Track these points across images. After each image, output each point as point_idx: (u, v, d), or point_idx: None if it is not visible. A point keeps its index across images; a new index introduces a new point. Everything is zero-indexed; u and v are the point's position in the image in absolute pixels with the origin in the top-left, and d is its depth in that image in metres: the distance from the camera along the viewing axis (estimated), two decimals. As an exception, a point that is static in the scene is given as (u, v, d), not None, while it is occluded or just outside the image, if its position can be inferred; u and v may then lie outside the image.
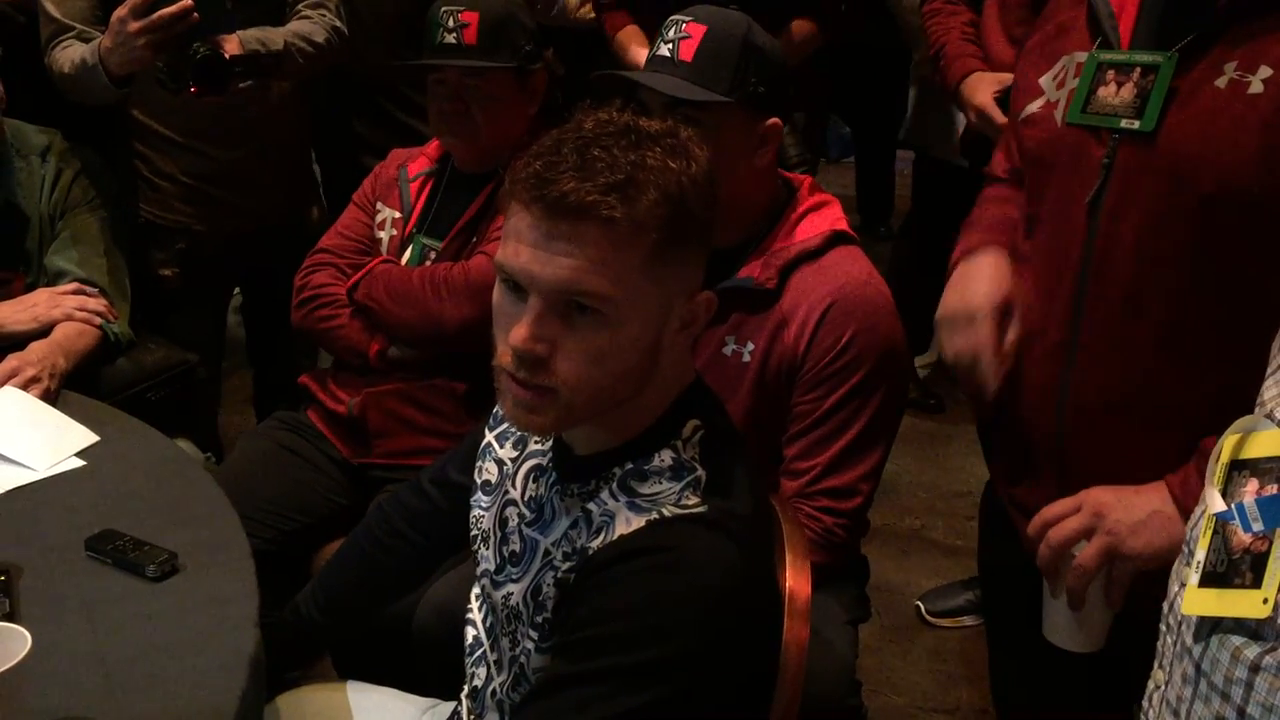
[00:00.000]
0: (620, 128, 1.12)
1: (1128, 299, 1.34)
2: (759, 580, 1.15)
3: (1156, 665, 1.00)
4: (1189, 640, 0.93)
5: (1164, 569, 1.17)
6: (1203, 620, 0.92)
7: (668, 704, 1.06)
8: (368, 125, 2.79)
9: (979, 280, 1.43)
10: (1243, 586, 0.89)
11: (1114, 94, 1.34)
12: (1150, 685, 1.01)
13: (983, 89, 2.36)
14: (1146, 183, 1.31)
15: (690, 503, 1.13)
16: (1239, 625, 0.88)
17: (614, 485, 1.17)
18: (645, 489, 1.15)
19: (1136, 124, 1.31)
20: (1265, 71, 1.25)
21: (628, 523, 1.13)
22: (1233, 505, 0.91)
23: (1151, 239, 1.31)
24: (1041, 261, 1.44)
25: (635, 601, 1.08)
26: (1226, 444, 0.96)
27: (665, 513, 1.12)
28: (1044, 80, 1.44)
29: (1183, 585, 0.96)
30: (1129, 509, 1.29)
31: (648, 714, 1.06)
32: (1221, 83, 1.27)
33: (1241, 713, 0.87)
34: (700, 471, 1.15)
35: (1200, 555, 0.94)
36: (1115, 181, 1.33)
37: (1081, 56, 1.40)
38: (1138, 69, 1.33)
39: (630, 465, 1.16)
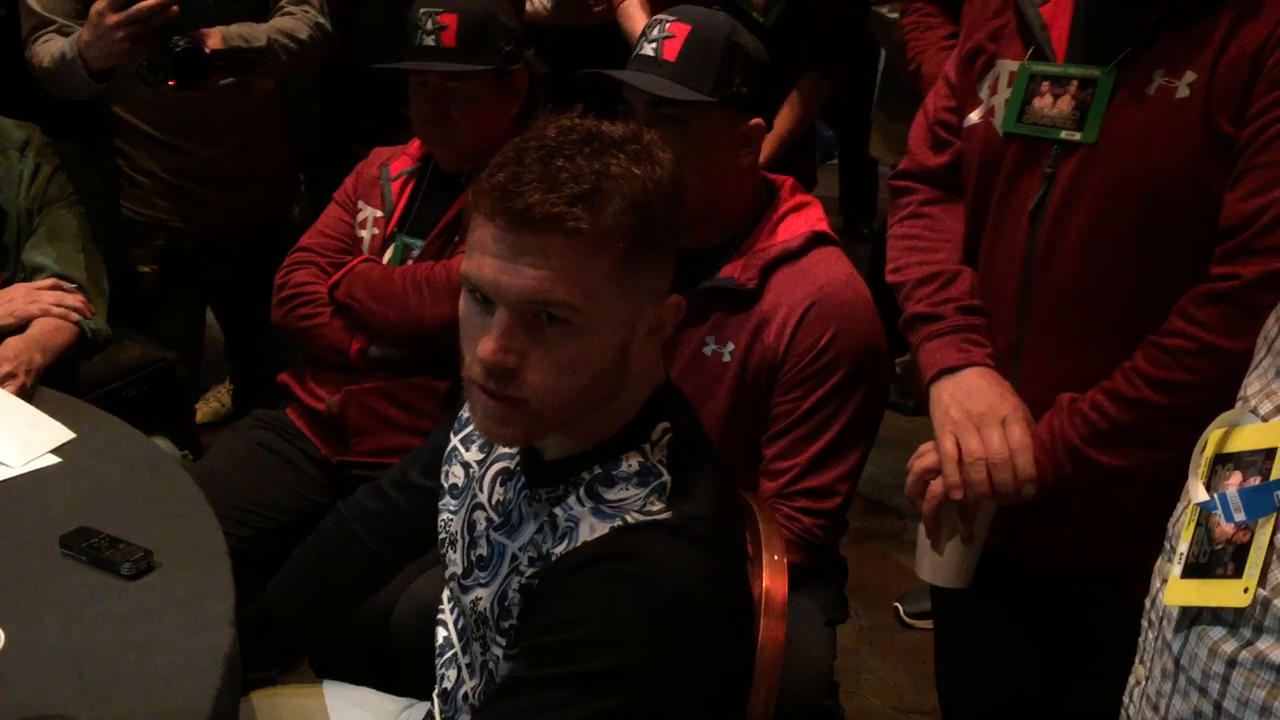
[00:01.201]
0: (583, 135, 1.11)
1: (1070, 300, 1.39)
2: (724, 586, 1.14)
3: (1138, 661, 1.01)
4: (1169, 635, 0.93)
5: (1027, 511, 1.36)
6: (1183, 614, 0.92)
7: (629, 711, 1.05)
8: (370, 117, 2.78)
9: (991, 390, 1.40)
10: (1225, 577, 0.90)
11: (1050, 105, 1.38)
12: (1131, 681, 1.02)
13: None
14: (1088, 189, 1.36)
15: (655, 509, 1.12)
16: (1217, 618, 0.89)
17: (581, 491, 1.16)
18: (612, 495, 1.14)
19: (1078, 135, 1.36)
20: (1190, 76, 1.30)
21: (591, 529, 1.13)
22: (1215, 495, 0.92)
23: (1093, 241, 1.36)
24: (986, 269, 1.48)
25: (595, 609, 1.07)
26: (1211, 438, 0.97)
27: (629, 519, 1.12)
28: (982, 89, 1.47)
29: (1164, 580, 0.96)
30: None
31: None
32: (1151, 90, 1.32)
33: (1218, 707, 0.88)
34: (666, 477, 1.14)
35: (1183, 547, 0.95)
36: (1057, 190, 1.38)
37: (1013, 65, 1.43)
38: (1075, 82, 1.37)
39: (598, 470, 1.16)
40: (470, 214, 1.12)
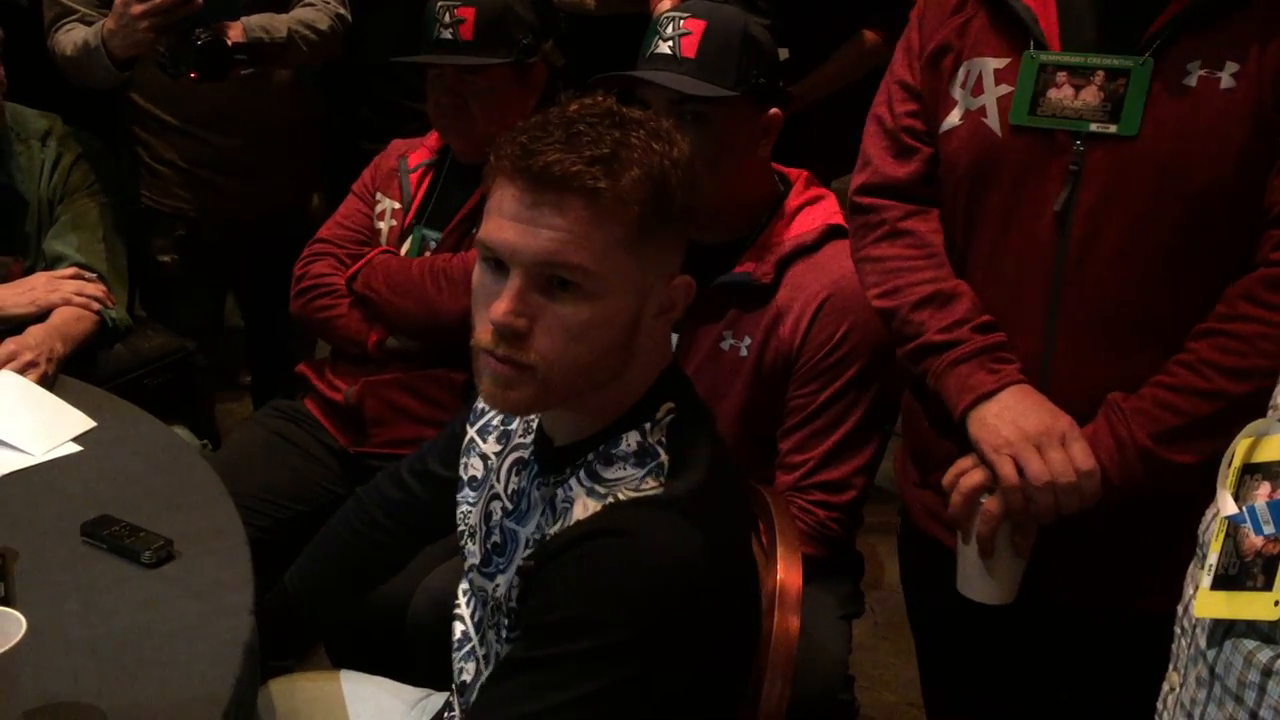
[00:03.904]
0: (604, 110, 1.14)
1: (1109, 304, 1.35)
2: (718, 559, 1.13)
3: (1171, 668, 1.00)
4: (1203, 643, 0.92)
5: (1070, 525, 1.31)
6: (1216, 624, 0.91)
7: (627, 686, 1.05)
8: (371, 111, 2.78)
9: (1040, 406, 1.36)
10: (1254, 589, 0.88)
11: (1072, 97, 1.33)
12: (1165, 688, 1.01)
13: None
14: (1129, 186, 1.31)
15: (648, 486, 1.13)
16: (1252, 629, 0.88)
17: (582, 472, 1.17)
18: (609, 474, 1.15)
19: (1113, 128, 1.31)
20: (1232, 67, 1.27)
21: (585, 508, 1.14)
22: (1244, 508, 0.91)
23: (1136, 241, 1.32)
24: (991, 277, 1.43)
25: (584, 587, 1.08)
26: (1239, 447, 0.96)
27: (620, 496, 1.13)
28: (954, 90, 1.42)
29: (1196, 587, 0.95)
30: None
31: (607, 698, 1.05)
32: (1190, 81, 1.28)
33: (1254, 716, 0.86)
34: (664, 456, 1.15)
35: (1212, 558, 0.94)
36: (1090, 187, 1.33)
37: (997, 63, 1.38)
38: (1100, 72, 1.32)
39: (600, 449, 1.17)
40: (491, 179, 1.14)
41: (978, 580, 1.41)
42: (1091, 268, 1.35)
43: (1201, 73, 1.28)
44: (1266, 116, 1.26)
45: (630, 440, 1.16)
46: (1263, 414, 1.10)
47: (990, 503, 1.36)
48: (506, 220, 1.11)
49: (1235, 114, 1.27)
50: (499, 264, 1.12)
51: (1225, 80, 1.27)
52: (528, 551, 1.20)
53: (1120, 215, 1.32)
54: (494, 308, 1.10)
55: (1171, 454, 1.31)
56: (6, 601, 1.34)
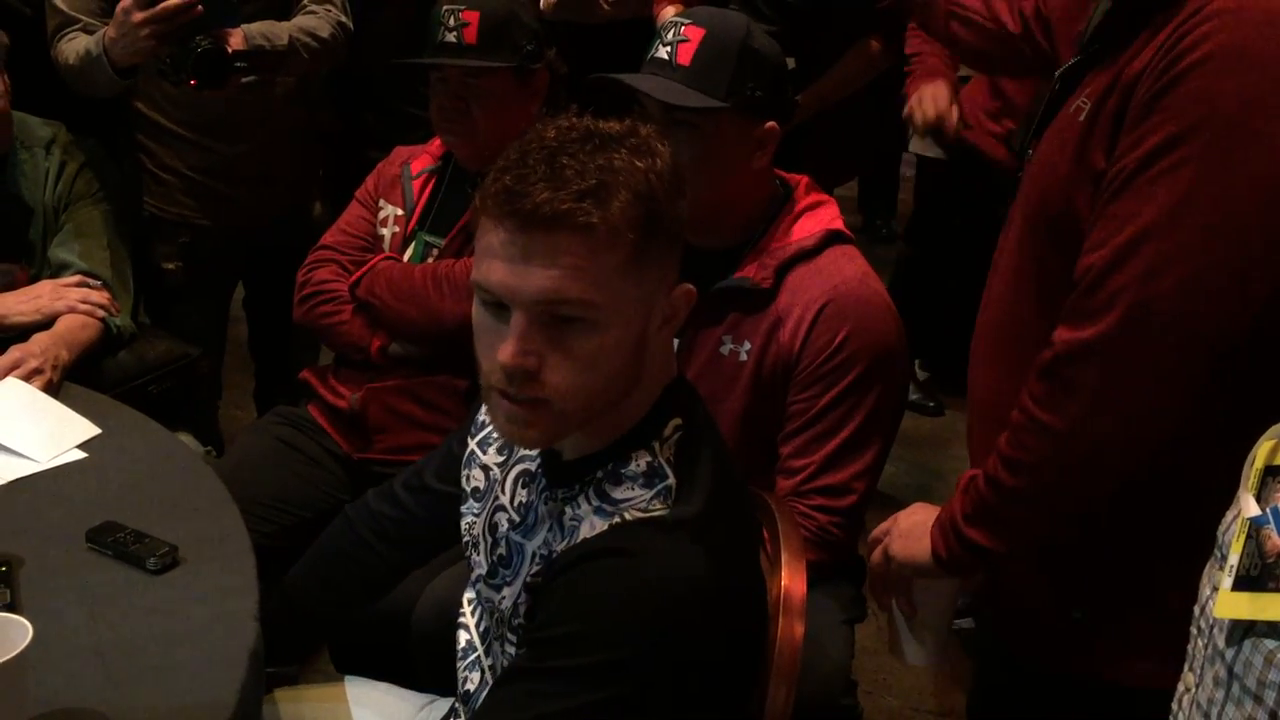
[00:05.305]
0: (583, 133, 1.12)
1: (1002, 317, 1.37)
2: (721, 580, 1.13)
3: (1186, 668, 1.01)
4: (1221, 643, 0.93)
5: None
6: (1235, 623, 0.92)
7: (626, 701, 1.06)
8: (375, 118, 2.80)
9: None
10: (1277, 590, 0.89)
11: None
12: (1180, 688, 1.01)
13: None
14: (1020, 206, 1.34)
15: (655, 508, 1.13)
16: (1272, 629, 0.89)
17: (590, 490, 1.17)
18: (618, 494, 1.15)
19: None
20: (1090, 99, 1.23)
21: (592, 527, 1.14)
22: (1267, 509, 0.92)
23: (1017, 261, 1.34)
24: None
25: (588, 604, 1.08)
26: (1261, 450, 0.96)
27: (627, 517, 1.13)
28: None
29: (1215, 588, 0.96)
30: (909, 518, 1.41)
31: (601, 711, 1.06)
32: (1071, 109, 1.26)
33: (1274, 715, 0.87)
34: (672, 480, 1.15)
35: (1234, 559, 0.94)
36: (1014, 199, 1.37)
37: None
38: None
39: (610, 467, 1.17)
40: (477, 220, 1.13)
41: (896, 642, 1.49)
42: (995, 279, 1.37)
43: (1080, 101, 1.24)
44: (1092, 161, 1.19)
45: (640, 461, 1.16)
46: (1057, 514, 1.13)
47: (873, 555, 1.46)
48: (501, 262, 1.09)
49: (1072, 143, 1.22)
50: (498, 304, 1.11)
51: (1086, 111, 1.22)
52: (535, 567, 1.20)
53: (1013, 233, 1.34)
54: (501, 351, 1.09)
55: (973, 534, 1.30)
56: (12, 608, 1.34)
